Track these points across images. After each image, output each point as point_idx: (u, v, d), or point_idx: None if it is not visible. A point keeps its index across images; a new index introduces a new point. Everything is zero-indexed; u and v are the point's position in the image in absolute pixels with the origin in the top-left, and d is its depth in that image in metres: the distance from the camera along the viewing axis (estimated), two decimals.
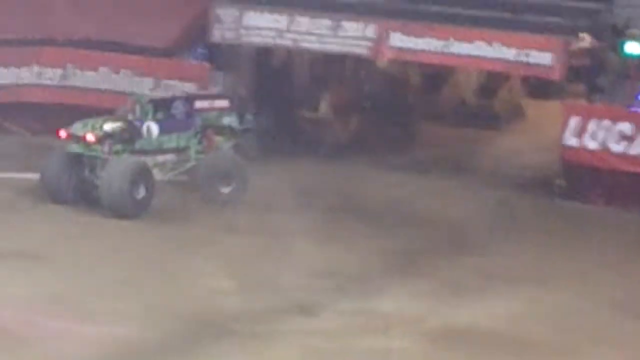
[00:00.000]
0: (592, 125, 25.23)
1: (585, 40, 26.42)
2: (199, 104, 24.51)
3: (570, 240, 23.36)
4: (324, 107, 30.14)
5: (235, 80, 28.61)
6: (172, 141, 23.96)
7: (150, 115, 23.84)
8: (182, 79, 27.86)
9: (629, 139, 24.84)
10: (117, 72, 28.39)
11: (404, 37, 26.75)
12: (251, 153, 25.33)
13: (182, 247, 22.24)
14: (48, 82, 28.66)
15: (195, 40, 29.33)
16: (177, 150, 24.15)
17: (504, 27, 26.32)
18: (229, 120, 24.94)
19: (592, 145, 25.27)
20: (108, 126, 23.37)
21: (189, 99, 24.63)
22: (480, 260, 22.01)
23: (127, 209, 22.82)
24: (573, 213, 25.04)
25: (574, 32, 26.17)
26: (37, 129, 27.97)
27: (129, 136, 23.45)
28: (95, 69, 28.54)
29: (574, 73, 26.94)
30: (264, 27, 27.96)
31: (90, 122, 23.57)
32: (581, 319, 19.27)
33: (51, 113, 27.72)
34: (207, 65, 28.45)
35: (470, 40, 26.23)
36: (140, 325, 18.29)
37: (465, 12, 26.87)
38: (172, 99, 24.56)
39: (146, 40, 28.55)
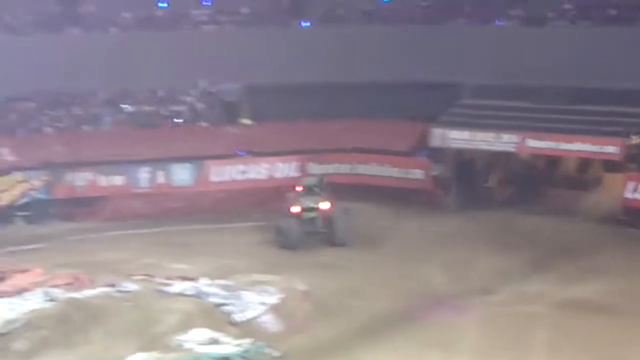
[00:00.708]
0: (639, 186, 34.43)
1: (636, 138, 35.84)
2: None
3: (631, 249, 32.09)
4: (493, 181, 39.14)
5: (444, 167, 38.86)
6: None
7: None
8: (415, 167, 38.65)
9: None
10: (382, 165, 39.40)
11: (534, 141, 36.95)
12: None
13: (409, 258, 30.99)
14: (343, 172, 39.71)
15: (422, 146, 39.01)
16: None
17: (590, 133, 35.64)
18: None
19: (639, 197, 34.49)
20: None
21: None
22: (581, 262, 30.45)
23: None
24: (632, 235, 33.89)
25: (628, 134, 35.45)
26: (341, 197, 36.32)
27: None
28: (369, 164, 39.65)
29: (630, 157, 35.77)
30: (458, 139, 38.13)
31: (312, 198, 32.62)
32: None
33: (346, 189, 37.37)
34: (427, 160, 38.78)
35: (571, 142, 36.20)
36: (395, 303, 26.60)
37: (568, 126, 36.49)
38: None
39: (396, 147, 39.26)
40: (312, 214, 32.67)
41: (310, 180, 33.83)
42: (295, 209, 32.66)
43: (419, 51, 41.03)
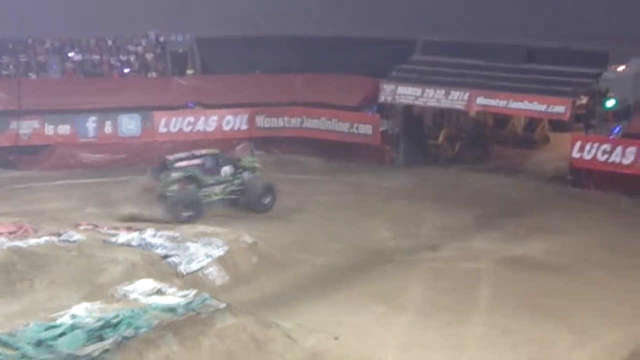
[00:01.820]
0: (587, 146, 34.61)
1: (584, 99, 36.37)
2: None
3: (576, 208, 32.53)
4: (441, 138, 39.36)
5: (392, 123, 38.80)
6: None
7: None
8: (364, 122, 38.88)
9: (608, 153, 34.03)
10: (330, 119, 39.40)
11: (485, 99, 36.76)
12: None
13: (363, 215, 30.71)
14: (293, 126, 40.01)
15: (371, 102, 39.35)
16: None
17: (539, 92, 35.56)
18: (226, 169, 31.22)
19: (587, 156, 34.62)
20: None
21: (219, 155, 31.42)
22: (526, 220, 30.65)
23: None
24: (577, 194, 34.21)
25: (577, 94, 35.74)
26: (287, 151, 39.26)
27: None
28: (318, 118, 39.72)
29: (577, 117, 36.32)
30: (408, 94, 38.11)
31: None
32: (584, 253, 27.11)
33: (294, 142, 39.54)
34: (377, 115, 38.96)
35: (521, 100, 36.00)
36: (341, 257, 26.53)
37: (516, 85, 36.39)
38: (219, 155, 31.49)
39: (345, 102, 39.30)
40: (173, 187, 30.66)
41: (211, 151, 32.21)
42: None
43: (372, 7, 41.52)
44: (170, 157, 30.54)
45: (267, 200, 31.30)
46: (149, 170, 30.74)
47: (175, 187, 29.94)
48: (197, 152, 31.16)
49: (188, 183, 30.15)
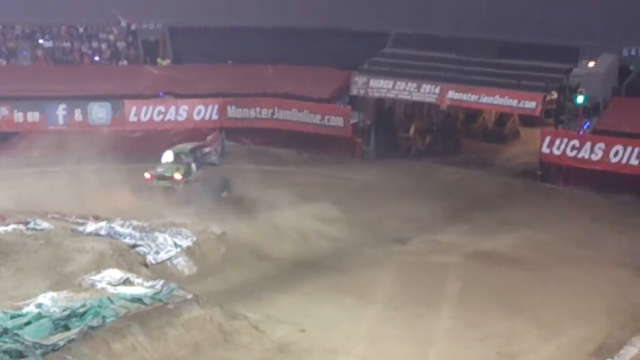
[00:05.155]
0: (556, 141, 34.66)
1: (554, 94, 36.75)
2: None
3: (545, 203, 32.50)
4: (412, 131, 39.26)
5: (364, 115, 39.03)
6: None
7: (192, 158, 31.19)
8: (335, 114, 38.85)
9: (577, 149, 34.21)
10: (302, 111, 39.24)
11: (456, 93, 36.87)
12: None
13: None
14: (264, 116, 39.78)
15: (343, 94, 39.42)
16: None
17: (511, 87, 35.88)
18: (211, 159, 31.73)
19: (556, 152, 34.66)
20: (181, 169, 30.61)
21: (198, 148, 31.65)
22: (496, 214, 30.76)
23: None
24: (546, 189, 34.30)
25: (548, 90, 36.11)
26: (258, 142, 39.06)
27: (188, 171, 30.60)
28: (289, 109, 39.50)
29: (548, 112, 36.59)
30: (380, 87, 38.12)
31: (170, 166, 30.71)
32: (552, 248, 27.24)
33: (266, 134, 39.11)
34: (349, 107, 38.92)
35: (492, 95, 36.29)
36: (309, 248, 26.49)
37: (489, 79, 36.46)
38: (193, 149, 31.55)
39: (317, 94, 39.25)
40: (163, 183, 30.88)
41: (181, 148, 32.12)
42: (147, 175, 31.15)
43: None
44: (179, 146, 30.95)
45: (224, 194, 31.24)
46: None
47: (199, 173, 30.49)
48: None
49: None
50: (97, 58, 41.55)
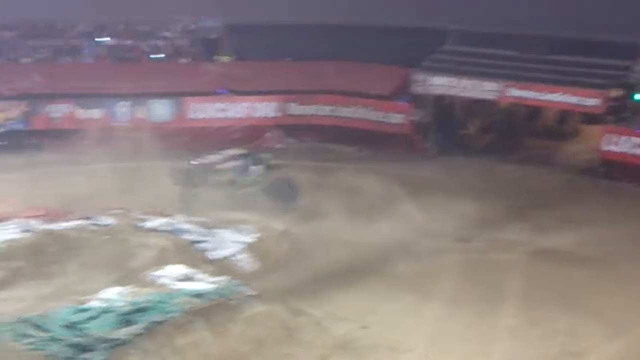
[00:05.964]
0: (617, 139, 34.46)
1: (615, 92, 35.86)
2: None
3: (608, 199, 32.06)
4: (472, 128, 39.49)
5: (424, 113, 38.96)
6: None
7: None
8: (396, 112, 38.77)
9: (638, 146, 33.93)
10: (362, 108, 39.28)
11: (516, 90, 36.96)
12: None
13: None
14: (325, 114, 40.04)
15: (402, 91, 39.24)
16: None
17: (572, 84, 35.79)
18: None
19: (617, 149, 34.54)
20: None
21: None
22: (557, 212, 30.04)
23: None
24: (608, 185, 33.91)
25: (609, 87, 35.59)
26: (320, 139, 39.30)
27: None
28: (350, 106, 39.61)
29: (608, 110, 35.92)
30: (440, 84, 38.45)
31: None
32: (616, 245, 26.68)
33: (326, 130, 39.27)
34: (409, 105, 38.68)
35: (553, 93, 36.24)
36: (371, 246, 26.10)
37: (549, 76, 36.47)
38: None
39: (378, 91, 39.31)
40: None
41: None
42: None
43: None
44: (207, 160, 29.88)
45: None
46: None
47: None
48: (232, 153, 30.46)
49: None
50: (157, 56, 41.94)
